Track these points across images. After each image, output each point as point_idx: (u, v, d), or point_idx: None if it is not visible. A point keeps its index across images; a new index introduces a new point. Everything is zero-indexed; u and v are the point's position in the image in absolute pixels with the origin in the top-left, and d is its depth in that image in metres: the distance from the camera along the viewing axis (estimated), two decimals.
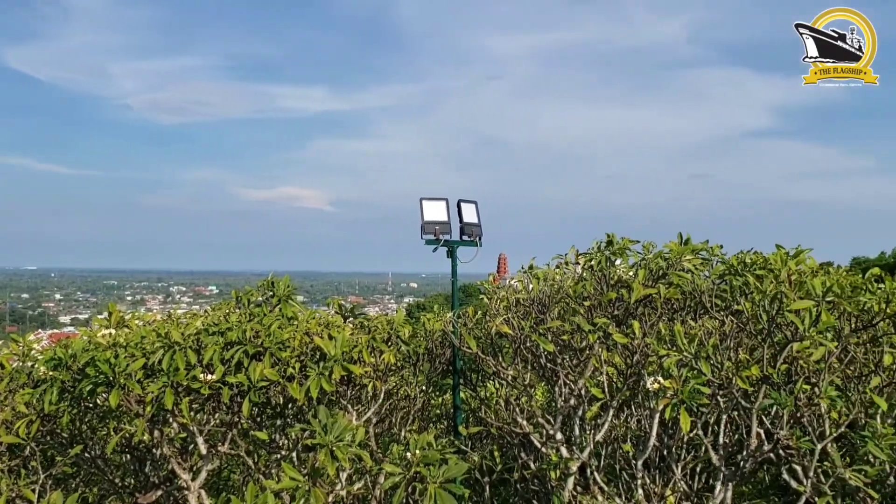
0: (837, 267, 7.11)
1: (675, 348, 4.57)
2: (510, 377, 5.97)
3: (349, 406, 5.65)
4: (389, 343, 5.59)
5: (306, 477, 4.11)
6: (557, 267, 6.03)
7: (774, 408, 4.76)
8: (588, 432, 5.49)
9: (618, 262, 5.81)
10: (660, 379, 4.30)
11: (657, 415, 4.91)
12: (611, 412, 5.32)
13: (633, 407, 5.83)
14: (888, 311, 4.90)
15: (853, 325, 4.99)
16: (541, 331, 5.51)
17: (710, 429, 5.28)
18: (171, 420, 5.07)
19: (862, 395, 4.90)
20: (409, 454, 4.30)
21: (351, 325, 5.89)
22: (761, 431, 4.98)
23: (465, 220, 6.73)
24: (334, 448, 4.06)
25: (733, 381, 4.53)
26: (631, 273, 5.71)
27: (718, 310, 5.33)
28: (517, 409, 5.99)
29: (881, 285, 5.18)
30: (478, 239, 6.77)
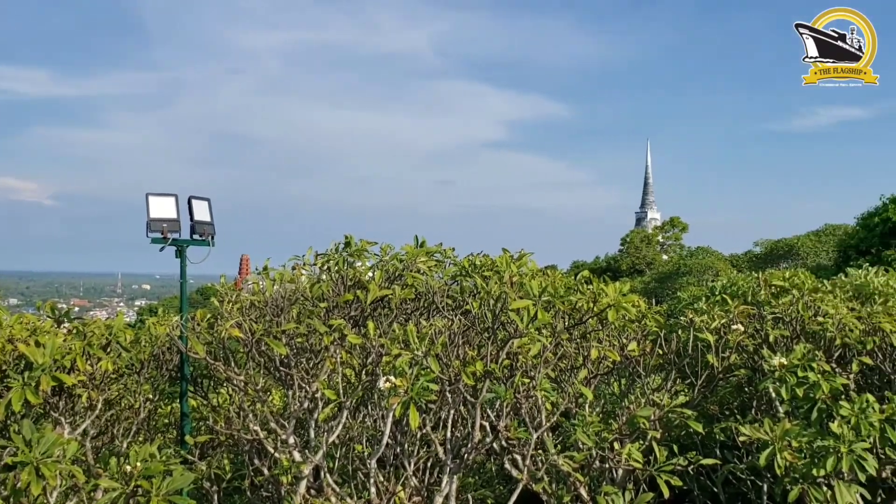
0: (556, 270, 7.73)
1: (407, 347, 4.67)
2: (242, 383, 5.76)
3: (62, 419, 5.14)
4: (108, 349, 5.16)
5: (4, 500, 3.67)
6: (294, 268, 5.93)
7: (498, 401, 5.04)
8: (322, 434, 5.45)
9: (357, 263, 5.84)
10: (391, 378, 4.37)
11: (391, 413, 4.99)
12: (345, 413, 5.32)
13: (369, 407, 5.89)
14: (595, 309, 5.40)
15: (566, 323, 5.43)
16: (274, 333, 5.38)
17: (441, 424, 5.47)
18: None
19: (572, 387, 5.34)
20: (128, 467, 4.01)
21: (65, 331, 5.36)
22: (486, 424, 5.24)
23: (197, 218, 6.39)
24: (40, 465, 3.67)
25: (460, 378, 4.72)
26: (369, 274, 5.78)
27: (450, 309, 5.55)
28: (250, 416, 5.80)
29: (590, 286, 5.68)
30: (210, 238, 6.46)
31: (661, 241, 71.30)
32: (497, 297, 4.98)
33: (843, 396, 5.07)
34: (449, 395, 5.08)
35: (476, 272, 5.41)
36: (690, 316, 6.15)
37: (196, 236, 6.43)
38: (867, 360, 5.84)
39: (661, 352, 5.99)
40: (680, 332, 6.17)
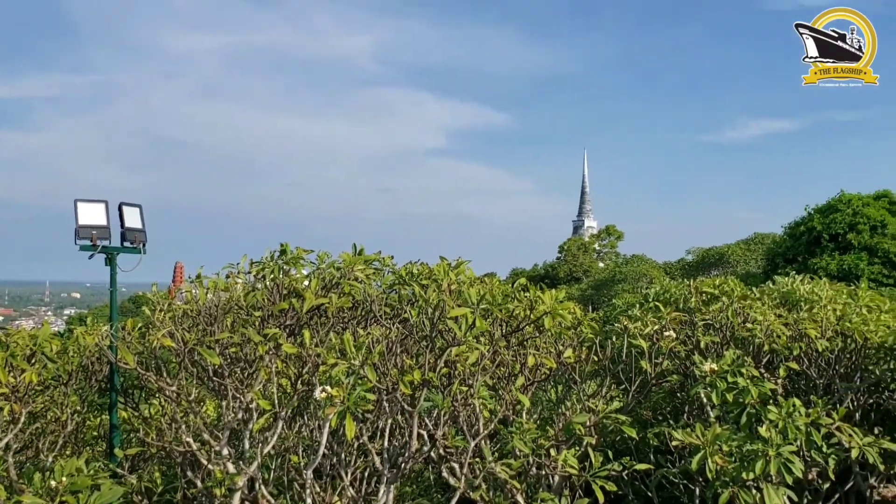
0: (495, 277, 7.76)
1: (344, 357, 4.63)
2: (175, 393, 5.62)
3: None
4: (33, 360, 4.98)
5: None
6: (228, 276, 5.82)
7: (435, 409, 5.03)
8: (257, 445, 5.36)
9: (293, 271, 5.77)
10: (327, 388, 4.32)
11: (327, 423, 4.93)
12: (280, 423, 5.24)
13: (305, 416, 5.81)
14: (532, 316, 5.44)
15: (504, 330, 5.46)
16: (208, 343, 5.27)
17: (379, 434, 5.44)
18: None
19: (510, 394, 5.36)
20: (54, 482, 3.87)
21: None
22: (424, 433, 5.23)
23: (128, 224, 6.23)
24: None
25: (398, 386, 4.70)
26: (306, 283, 5.70)
27: (387, 318, 5.52)
28: (183, 427, 5.66)
29: (527, 294, 5.73)
30: (142, 246, 6.31)
31: (598, 248, 72.48)
32: (435, 306, 4.97)
33: (771, 401, 5.21)
34: (386, 405, 5.05)
35: (414, 280, 5.39)
36: (625, 323, 6.25)
37: (127, 243, 6.28)
38: (794, 365, 6.02)
39: (596, 358, 6.07)
40: (615, 338, 6.27)
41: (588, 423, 5.24)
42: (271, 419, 5.49)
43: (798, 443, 4.91)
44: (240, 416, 5.46)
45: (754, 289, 7.42)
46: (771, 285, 7.59)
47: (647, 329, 6.10)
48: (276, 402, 5.14)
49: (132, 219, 6.29)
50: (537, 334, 5.84)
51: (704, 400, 5.60)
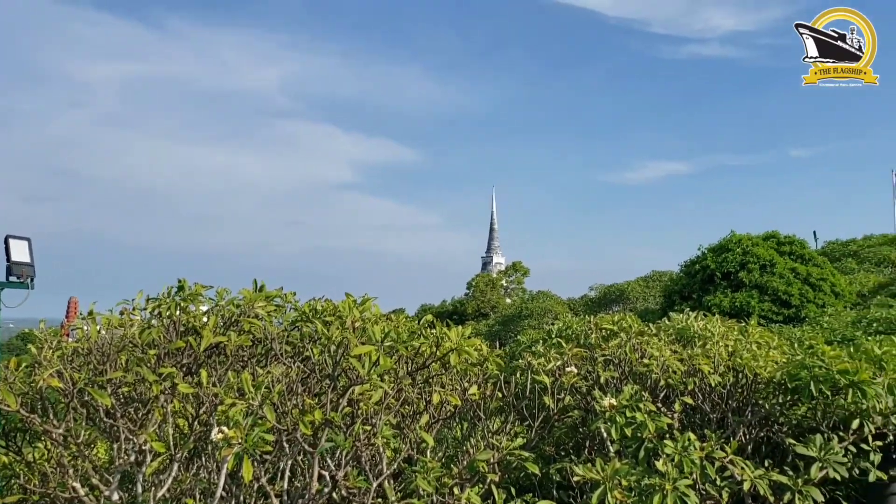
0: (402, 313, 7.74)
1: (242, 396, 4.50)
2: (62, 436, 5.33)
3: None
4: None
5: None
6: (122, 313, 5.59)
7: (337, 450, 4.94)
8: (150, 489, 5.12)
9: (191, 308, 5.59)
10: (224, 429, 4.18)
11: (224, 465, 4.77)
12: (175, 466, 5.04)
13: (203, 458, 5.61)
14: (438, 353, 5.44)
15: (409, 368, 5.43)
16: (99, 383, 5.03)
17: (279, 475, 5.29)
18: None
19: (414, 433, 5.32)
20: None
21: None
22: (325, 474, 5.12)
23: (14, 258, 5.93)
24: None
25: (298, 427, 4.59)
26: (204, 319, 5.54)
27: (289, 356, 5.41)
28: (70, 471, 5.36)
29: (433, 330, 5.73)
30: (29, 280, 6.01)
31: (505, 284, 73.41)
32: (338, 343, 4.90)
33: (667, 435, 5.35)
34: (286, 445, 4.92)
35: (317, 317, 5.31)
36: (528, 359, 6.33)
37: (13, 278, 5.96)
38: (689, 399, 6.20)
39: (500, 395, 6.10)
40: (519, 374, 6.33)
41: (492, 460, 5.25)
42: (167, 461, 5.27)
43: (693, 476, 5.06)
44: (132, 458, 5.21)
45: (651, 325, 7.64)
46: (667, 321, 7.84)
47: (549, 365, 6.19)
48: (172, 443, 4.94)
49: (19, 252, 5.98)
50: (443, 371, 5.83)
51: (604, 435, 5.70)
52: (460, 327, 5.69)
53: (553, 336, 7.60)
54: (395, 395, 5.23)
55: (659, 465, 4.98)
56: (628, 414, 5.32)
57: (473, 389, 5.66)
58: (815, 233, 52.11)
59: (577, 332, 7.51)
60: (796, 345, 7.58)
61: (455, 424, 6.32)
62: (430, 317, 5.87)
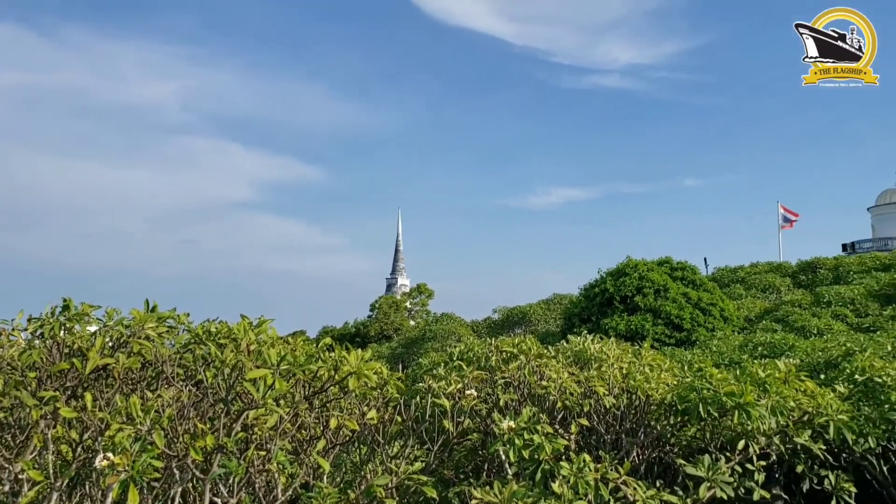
0: (303, 335, 7.60)
1: (130, 421, 4.31)
2: None
3: None
4: None
5: None
6: (0, 333, 5.28)
7: (230, 476, 4.78)
8: None
9: (77, 328, 5.33)
10: (109, 455, 3.99)
11: (109, 494, 4.55)
12: (55, 495, 4.76)
13: (87, 486, 5.33)
14: (336, 377, 5.36)
15: (306, 392, 5.33)
16: None
17: (169, 503, 5.08)
18: None
19: (310, 458, 5.22)
20: None
21: None
22: (218, 501, 4.95)
23: None
24: None
25: (189, 452, 4.43)
26: (92, 340, 5.29)
27: (180, 379, 5.22)
28: None
29: (332, 354, 5.65)
30: None
31: (409, 306, 73.33)
32: (233, 367, 4.77)
33: (564, 457, 5.42)
34: (177, 472, 4.73)
35: (211, 339, 5.16)
36: (429, 382, 6.32)
37: None
38: (584, 421, 6.31)
39: (400, 419, 6.06)
40: (419, 398, 6.31)
41: (390, 485, 5.19)
42: (47, 490, 4.98)
43: (588, 497, 5.14)
44: (7, 488, 4.90)
45: (551, 347, 7.76)
46: (565, 344, 7.98)
47: (450, 388, 6.20)
48: (52, 471, 4.67)
49: None
50: (342, 395, 5.75)
51: (503, 457, 5.73)
52: (360, 350, 5.63)
53: (454, 359, 7.62)
54: (292, 419, 5.12)
55: (555, 486, 5.03)
56: (526, 436, 5.36)
57: (372, 414, 5.60)
58: (705, 259, 54.51)
59: (478, 354, 7.55)
60: (686, 367, 7.86)
61: (353, 449, 6.23)
62: (328, 340, 5.79)
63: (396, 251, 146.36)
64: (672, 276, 27.79)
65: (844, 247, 62.76)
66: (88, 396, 4.60)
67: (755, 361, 8.19)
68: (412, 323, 65.46)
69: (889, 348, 10.54)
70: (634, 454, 6.74)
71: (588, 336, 7.99)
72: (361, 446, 6.22)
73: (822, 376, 9.08)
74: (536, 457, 5.33)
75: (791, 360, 8.67)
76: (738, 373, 7.00)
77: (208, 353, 5.05)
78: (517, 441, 5.36)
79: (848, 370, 8.48)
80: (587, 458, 5.30)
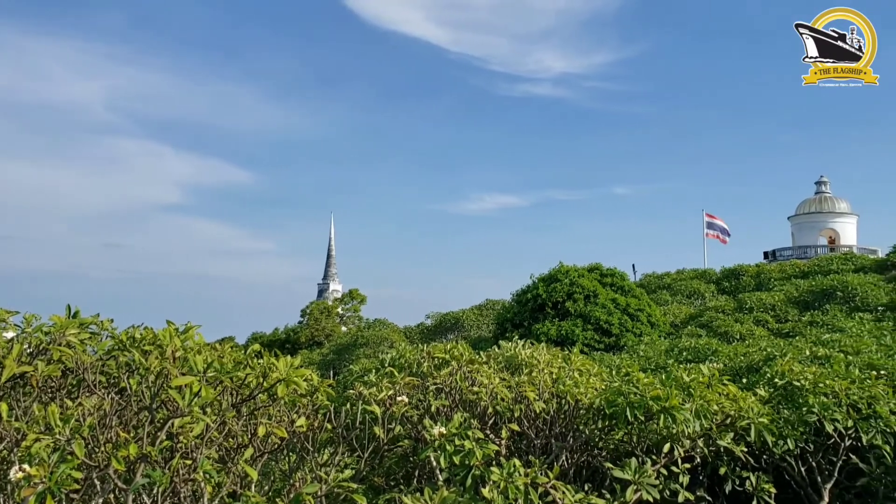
0: (231, 342, 7.47)
1: (49, 431, 4.16)
2: None
3: None
4: None
5: None
6: None
7: (154, 486, 4.66)
8: None
9: None
10: (25, 466, 3.84)
11: None
12: None
13: (2, 499, 5.12)
14: (265, 384, 5.28)
15: (234, 399, 5.23)
16: None
17: None
18: None
19: (237, 467, 5.12)
20: None
21: None
22: None
23: None
24: None
25: (111, 463, 4.30)
26: (8, 347, 5.08)
27: (103, 387, 5.07)
28: None
29: (261, 360, 5.56)
30: None
31: (341, 312, 72.83)
32: (158, 374, 4.65)
33: (494, 462, 5.46)
34: (98, 483, 4.59)
35: (135, 346, 5.02)
36: (360, 388, 6.28)
37: None
38: (514, 426, 6.37)
39: (330, 426, 6.01)
40: (349, 405, 6.26)
41: (319, 493, 5.13)
42: None
43: (518, 502, 5.18)
44: None
45: (482, 353, 7.82)
46: (497, 349, 8.05)
47: (381, 395, 6.17)
48: None
49: None
50: (271, 403, 5.67)
51: (434, 463, 5.74)
52: (290, 357, 5.56)
53: (386, 365, 7.60)
54: (218, 427, 5.02)
55: (485, 492, 5.06)
56: (457, 442, 5.38)
57: (301, 421, 5.53)
58: (633, 266, 55.70)
59: (409, 360, 7.55)
60: (614, 372, 8.01)
61: (282, 457, 6.14)
62: (257, 346, 5.70)
63: (329, 256, 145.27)
64: (602, 283, 28.29)
65: (766, 255, 65.05)
66: (3, 406, 4.42)
67: (680, 366, 8.41)
68: (344, 329, 65.06)
69: (807, 353, 10.96)
70: (564, 458, 6.83)
71: (519, 342, 8.07)
72: (290, 454, 6.14)
73: (744, 380, 9.38)
74: (467, 462, 5.35)
75: (714, 364, 8.94)
76: (663, 377, 7.17)
77: (132, 360, 4.91)
78: (448, 447, 5.37)
79: (768, 374, 8.79)
80: (517, 462, 5.35)
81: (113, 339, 5.32)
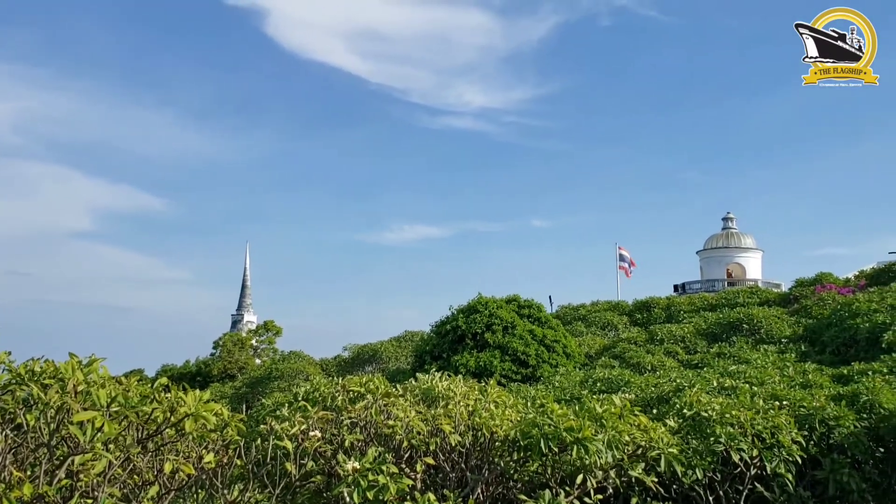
0: (139, 375, 7.21)
1: None
2: None
3: None
4: None
5: None
6: None
7: None
8: None
9: None
10: None
11: None
12: None
13: None
14: (173, 419, 5.11)
15: (140, 435, 5.04)
16: None
17: None
18: None
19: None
20: None
21: None
22: None
23: None
24: None
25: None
26: None
27: None
28: None
29: (168, 394, 5.38)
30: None
31: (255, 344, 71.22)
32: (58, 409, 4.45)
33: (409, 497, 5.41)
34: None
35: (34, 380, 4.78)
36: (271, 423, 6.14)
37: None
38: (430, 460, 6.34)
39: (240, 462, 5.85)
40: (261, 440, 6.12)
41: None
42: None
43: None
44: None
45: (398, 386, 7.77)
46: (414, 382, 8.01)
47: (293, 429, 6.05)
48: None
49: None
50: (178, 438, 5.48)
51: (347, 499, 5.64)
52: (200, 391, 5.41)
53: (299, 399, 7.47)
54: (123, 464, 4.83)
55: None
56: (371, 477, 5.32)
57: (209, 457, 5.37)
58: (550, 297, 56.54)
59: (324, 394, 7.44)
60: (530, 403, 8.08)
61: (190, 495, 5.94)
62: (164, 380, 5.52)
63: (243, 287, 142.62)
64: (519, 314, 28.57)
65: (676, 287, 67.06)
66: None
67: (594, 397, 8.54)
68: (258, 361, 63.61)
69: (715, 384, 11.30)
70: (479, 491, 6.82)
71: (437, 374, 8.06)
72: (199, 491, 5.94)
73: (655, 411, 9.59)
74: (381, 498, 5.28)
75: (626, 395, 9.13)
76: (577, 408, 7.27)
77: (30, 395, 4.68)
78: (362, 482, 5.30)
79: (678, 405, 9.01)
80: (432, 497, 5.32)
81: (10, 372, 5.06)
